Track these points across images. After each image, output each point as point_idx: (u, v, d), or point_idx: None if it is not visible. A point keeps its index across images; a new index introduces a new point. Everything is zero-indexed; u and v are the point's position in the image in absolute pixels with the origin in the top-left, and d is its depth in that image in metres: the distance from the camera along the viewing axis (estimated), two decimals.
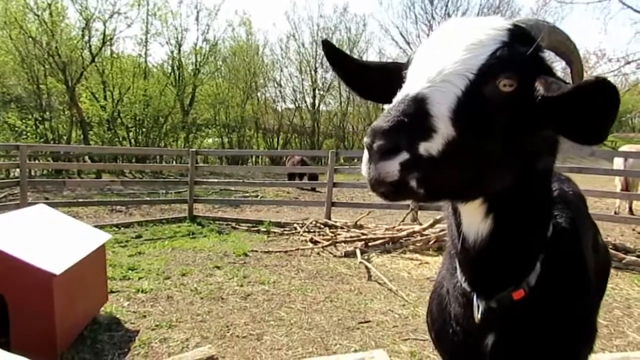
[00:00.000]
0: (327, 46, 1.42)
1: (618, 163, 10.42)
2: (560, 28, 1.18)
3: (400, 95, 1.06)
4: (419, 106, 1.00)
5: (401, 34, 40.48)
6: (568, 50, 1.19)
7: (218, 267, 6.33)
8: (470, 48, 1.07)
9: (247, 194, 14.55)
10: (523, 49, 1.08)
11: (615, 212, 10.49)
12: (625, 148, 11.70)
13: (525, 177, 1.16)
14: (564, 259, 1.37)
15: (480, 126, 1.03)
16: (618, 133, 33.26)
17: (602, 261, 1.74)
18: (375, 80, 1.39)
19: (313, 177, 14.94)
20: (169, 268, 6.25)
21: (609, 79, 1.06)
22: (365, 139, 1.00)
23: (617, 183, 10.92)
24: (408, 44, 40.83)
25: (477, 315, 1.31)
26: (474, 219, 1.22)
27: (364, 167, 1.03)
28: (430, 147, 0.98)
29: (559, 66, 1.25)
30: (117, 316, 4.51)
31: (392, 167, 0.97)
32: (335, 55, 1.43)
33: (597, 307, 1.59)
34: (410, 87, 1.05)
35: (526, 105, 1.05)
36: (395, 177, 0.97)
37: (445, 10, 40.06)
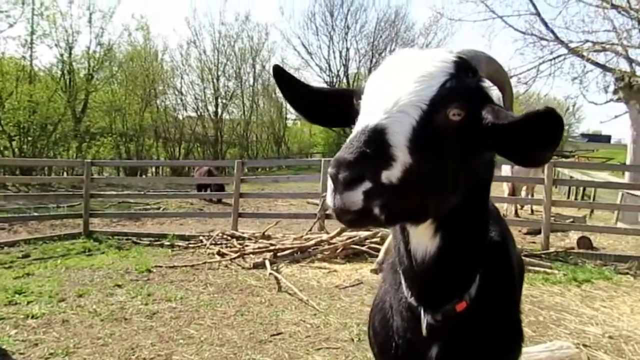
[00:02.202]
0: (278, 71, 1.43)
1: (506, 170, 11.34)
2: (493, 58, 1.28)
3: (360, 126, 1.09)
4: (379, 137, 1.05)
5: (303, 45, 41.30)
6: (501, 78, 1.30)
7: (119, 286, 5.96)
8: (421, 80, 1.13)
9: (148, 207, 13.90)
10: (468, 80, 1.17)
11: (503, 215, 11.38)
12: None
13: (469, 196, 1.24)
14: (497, 270, 1.47)
15: (434, 152, 1.10)
16: None
17: (520, 269, 1.88)
18: (324, 105, 1.43)
19: (220, 187, 14.58)
20: (64, 289, 5.78)
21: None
22: (330, 170, 1.02)
23: (505, 188, 11.87)
24: (310, 54, 41.65)
25: (424, 328, 1.36)
26: (423, 237, 1.28)
27: (329, 196, 1.04)
28: (391, 174, 1.03)
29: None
30: (3, 347, 4.08)
31: (356, 197, 1.00)
32: (285, 81, 1.44)
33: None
34: (369, 118, 1.10)
35: (473, 131, 1.14)
36: (359, 206, 1.00)
37: (345, 22, 41.49)
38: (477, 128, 1.14)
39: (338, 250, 7.54)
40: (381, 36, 41.69)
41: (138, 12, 50.48)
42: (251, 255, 7.48)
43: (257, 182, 17.42)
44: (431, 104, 1.11)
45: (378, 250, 7.24)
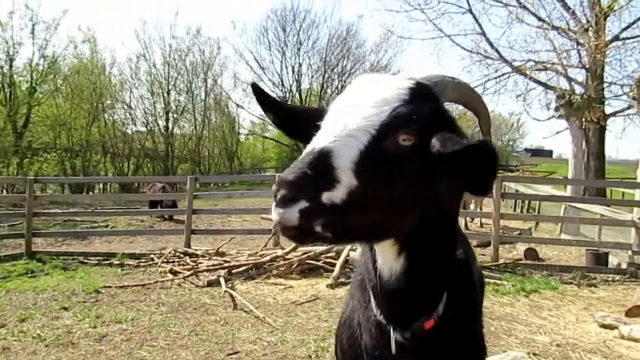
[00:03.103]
0: (258, 91, 1.48)
1: None
2: (464, 82, 1.33)
3: (308, 149, 1.14)
4: (323, 159, 1.09)
5: (255, 59, 41.22)
6: (473, 102, 1.35)
7: (65, 308, 5.70)
8: (375, 105, 1.17)
9: (96, 225, 13.39)
10: (423, 106, 1.19)
11: None
12: None
13: (432, 219, 1.26)
14: (463, 288, 1.50)
15: (382, 176, 1.13)
16: None
17: (481, 284, 1.93)
18: (301, 122, 1.46)
19: (172, 204, 14.19)
20: (4, 314, 5.47)
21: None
22: (273, 187, 1.08)
23: None
24: (262, 69, 41.65)
25: (393, 346, 1.38)
26: (388, 257, 1.30)
27: (273, 212, 1.08)
28: (334, 196, 1.07)
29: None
30: None
31: (291, 214, 1.05)
32: (266, 100, 1.49)
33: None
34: (318, 141, 1.15)
35: (425, 157, 1.15)
36: (295, 223, 1.05)
37: (297, 38, 41.85)
38: (429, 154, 1.15)
39: (294, 266, 7.51)
40: (333, 52, 42.28)
41: (85, 24, 48.93)
42: (205, 273, 7.33)
43: (210, 198, 17.09)
44: (380, 129, 1.14)
45: (333, 265, 7.26)
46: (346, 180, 1.08)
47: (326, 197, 1.06)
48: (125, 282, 6.99)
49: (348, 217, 1.09)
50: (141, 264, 8.21)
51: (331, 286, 6.69)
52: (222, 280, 6.80)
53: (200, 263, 7.85)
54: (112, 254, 8.87)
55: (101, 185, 29.72)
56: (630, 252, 7.95)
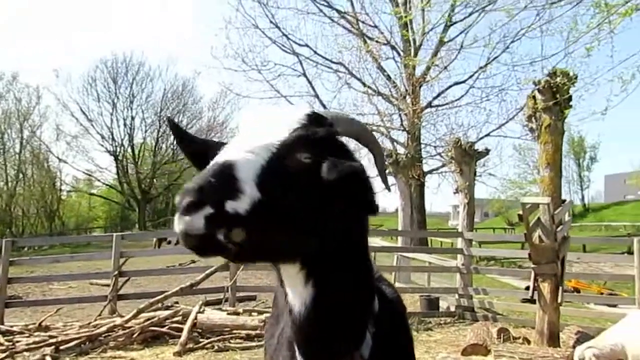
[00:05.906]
0: (174, 126, 1.44)
1: None
2: (358, 121, 1.42)
3: (212, 162, 1.14)
4: (226, 170, 1.09)
5: (82, 111, 38.49)
6: (366, 140, 1.40)
7: None
8: (276, 127, 1.23)
9: None
10: (318, 129, 1.23)
11: None
12: None
13: (337, 243, 1.24)
14: (393, 331, 1.44)
15: (284, 191, 1.13)
16: None
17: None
18: (214, 156, 1.38)
19: None
20: None
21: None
22: (177, 199, 1.05)
23: None
24: (90, 121, 39.01)
25: None
26: (297, 286, 1.25)
27: (176, 223, 1.05)
28: (238, 205, 1.06)
29: None
30: None
31: (198, 220, 1.02)
32: (181, 134, 1.44)
33: None
34: (221, 156, 1.15)
35: (320, 177, 1.16)
36: (201, 231, 1.02)
37: (130, 90, 40.27)
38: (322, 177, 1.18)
39: (135, 335, 6.81)
40: (168, 107, 41.61)
41: None
42: (25, 353, 6.25)
43: (27, 264, 14.89)
44: (281, 147, 1.17)
45: (180, 330, 6.77)
46: (249, 191, 1.08)
47: (230, 206, 1.05)
48: None
49: (251, 230, 1.07)
50: None
51: (179, 354, 6.18)
52: (48, 359, 5.88)
53: (18, 342, 6.68)
54: None
55: None
56: (457, 296, 8.80)
